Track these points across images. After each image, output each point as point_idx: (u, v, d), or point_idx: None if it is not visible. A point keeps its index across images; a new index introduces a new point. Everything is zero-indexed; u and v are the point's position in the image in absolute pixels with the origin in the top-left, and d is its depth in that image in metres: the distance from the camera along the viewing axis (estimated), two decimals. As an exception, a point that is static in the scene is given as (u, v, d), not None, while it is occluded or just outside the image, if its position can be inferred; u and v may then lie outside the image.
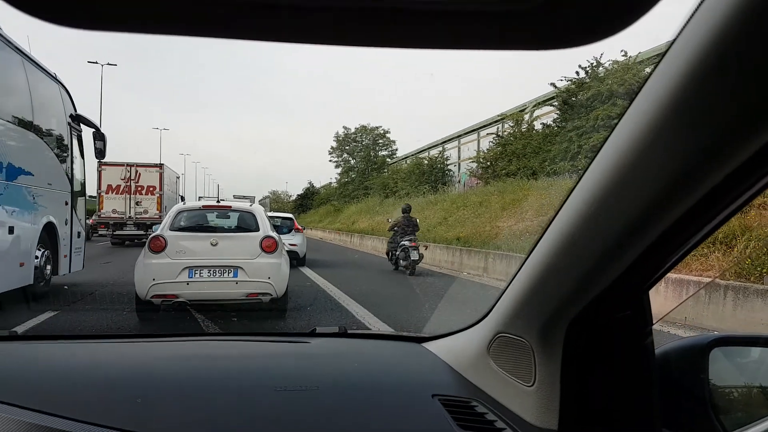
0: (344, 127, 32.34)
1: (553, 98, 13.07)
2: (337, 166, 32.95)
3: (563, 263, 0.55)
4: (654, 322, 0.60)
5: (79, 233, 5.86)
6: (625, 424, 0.59)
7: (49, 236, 4.98)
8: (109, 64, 26.74)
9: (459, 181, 19.06)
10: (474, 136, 19.45)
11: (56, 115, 5.34)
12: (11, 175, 4.31)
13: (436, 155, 20.28)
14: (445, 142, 21.72)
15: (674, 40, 0.36)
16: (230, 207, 4.65)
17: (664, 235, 0.46)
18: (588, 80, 11.51)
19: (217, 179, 64.02)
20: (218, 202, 5.09)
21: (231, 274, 3.88)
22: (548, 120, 13.68)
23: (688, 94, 0.35)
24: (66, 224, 5.44)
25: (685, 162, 0.38)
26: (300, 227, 9.06)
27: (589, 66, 11.71)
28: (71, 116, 5.62)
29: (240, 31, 0.23)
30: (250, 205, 5.04)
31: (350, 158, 31.66)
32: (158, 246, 3.83)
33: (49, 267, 5.00)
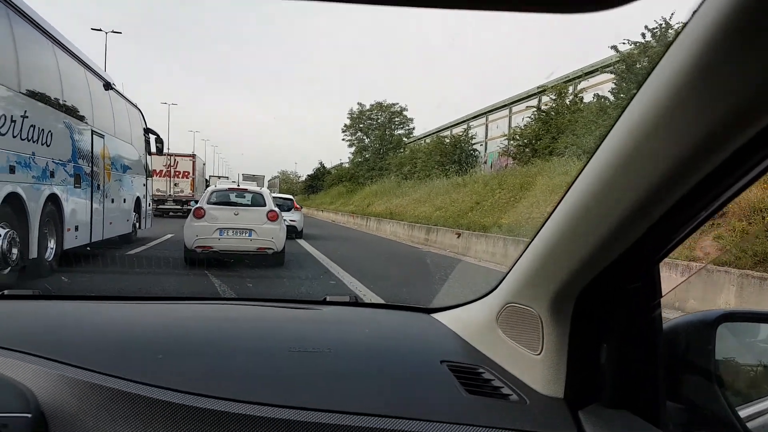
0: (359, 104, 33.43)
1: (608, 66, 12.62)
2: (350, 145, 33.95)
3: (574, 234, 0.62)
4: (663, 294, 0.66)
5: (149, 204, 10.90)
6: (630, 394, 0.66)
7: (137, 205, 9.68)
8: (113, 32, 26.59)
9: (485, 162, 19.70)
10: (504, 112, 19.62)
11: (138, 130, 10.09)
12: (124, 170, 9.00)
13: (460, 133, 20.89)
14: (470, 119, 21.80)
15: (681, 30, 0.42)
16: (246, 189, 7.97)
17: (675, 208, 0.51)
18: (655, 44, 10.97)
19: (226, 158, 67.59)
20: (238, 186, 8.61)
21: (247, 234, 6.86)
22: (600, 91, 13.29)
23: (701, 65, 0.40)
24: (144, 198, 10.30)
25: (696, 136, 0.44)
26: (298, 206, 13.28)
27: (657, 28, 11.10)
28: (144, 129, 10.48)
29: None
30: (260, 188, 8.44)
31: (364, 137, 32.81)
32: (200, 214, 6.89)
33: (137, 224, 9.75)
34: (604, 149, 0.54)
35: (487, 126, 20.90)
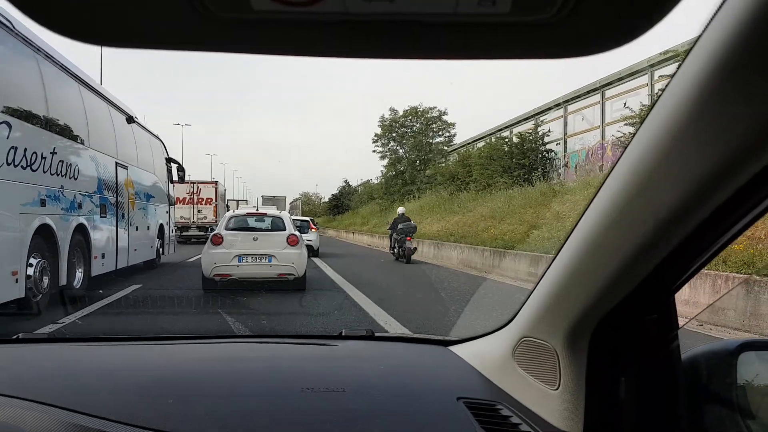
0: (391, 110, 34.48)
1: None
2: (382, 157, 34.76)
3: (588, 266, 0.72)
4: (680, 325, 0.77)
5: (172, 230, 13.62)
6: (651, 428, 0.76)
7: (160, 232, 12.13)
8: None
9: (566, 164, 19.04)
10: (592, 98, 18.05)
11: (161, 160, 12.59)
12: (147, 199, 11.31)
13: (527, 131, 20.26)
14: (537, 114, 21.07)
15: (697, 38, 0.47)
16: (266, 213, 9.07)
17: (691, 237, 0.59)
18: None
19: (245, 180, 74.69)
20: (256, 210, 10.39)
21: (267, 260, 7.86)
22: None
23: (713, 92, 0.46)
24: (167, 225, 12.80)
25: (712, 161, 0.50)
26: (315, 227, 16.89)
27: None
28: (166, 158, 12.99)
29: (260, 46, 0.33)
30: (280, 212, 9.52)
31: (398, 147, 33.64)
32: (218, 241, 7.95)
33: (161, 250, 12.16)
34: (615, 178, 0.63)
35: (565, 119, 19.65)
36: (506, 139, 21.10)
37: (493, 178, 19.36)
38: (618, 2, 0.31)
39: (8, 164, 5.57)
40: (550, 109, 20.35)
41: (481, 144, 24.02)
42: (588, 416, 0.80)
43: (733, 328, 5.30)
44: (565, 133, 19.53)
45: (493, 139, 22.46)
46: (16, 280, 5.68)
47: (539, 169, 18.87)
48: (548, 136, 19.60)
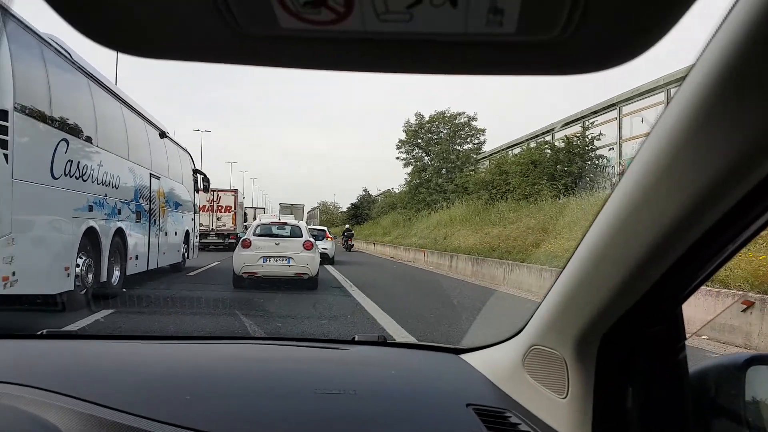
0: (417, 114, 35.62)
1: None
2: (406, 164, 35.86)
3: (596, 275, 0.79)
4: (687, 336, 0.84)
5: (196, 236, 16.80)
6: None
7: (186, 238, 15.14)
8: None
9: (621, 172, 18.00)
10: (655, 98, 17.20)
11: (188, 171, 15.68)
12: (176, 207, 14.35)
13: (575, 134, 19.80)
14: (585, 116, 20.55)
15: (703, 49, 0.52)
16: (286, 223, 12.14)
17: (697, 246, 0.64)
18: None
19: (264, 188, 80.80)
20: (279, 219, 13.11)
21: (286, 261, 10.71)
22: None
23: (719, 101, 0.51)
24: (192, 231, 15.91)
25: (717, 171, 0.54)
26: (330, 236, 21.14)
27: None
28: (193, 170, 16.13)
29: (286, 61, 0.39)
30: (298, 222, 12.41)
31: (423, 154, 34.66)
32: (247, 245, 10.93)
33: (186, 254, 15.22)
34: (623, 187, 0.70)
35: (620, 121, 19.14)
36: (548, 144, 20.98)
37: (536, 186, 19.25)
38: (620, 22, 0.37)
39: (65, 175, 7.47)
40: (597, 112, 20.05)
41: (517, 150, 23.86)
42: (596, 425, 0.88)
43: (738, 345, 5.62)
44: (620, 137, 19.11)
45: (532, 144, 22.29)
46: (68, 275, 7.53)
47: (588, 177, 18.69)
48: (599, 140, 19.32)
